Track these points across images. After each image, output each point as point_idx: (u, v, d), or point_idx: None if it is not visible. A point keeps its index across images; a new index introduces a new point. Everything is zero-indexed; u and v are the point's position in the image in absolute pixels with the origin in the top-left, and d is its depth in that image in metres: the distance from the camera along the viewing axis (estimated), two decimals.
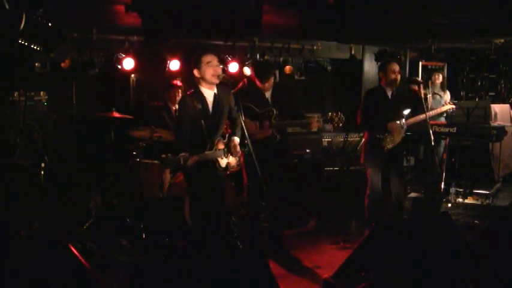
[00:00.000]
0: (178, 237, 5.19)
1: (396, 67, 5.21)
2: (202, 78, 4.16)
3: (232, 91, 4.50)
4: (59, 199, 5.13)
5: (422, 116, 5.28)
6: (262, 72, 4.88)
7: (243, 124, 4.12)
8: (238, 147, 4.39)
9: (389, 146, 5.20)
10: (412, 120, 5.30)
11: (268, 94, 4.92)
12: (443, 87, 8.06)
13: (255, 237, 4.99)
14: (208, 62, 4.12)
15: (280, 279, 4.42)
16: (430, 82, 7.94)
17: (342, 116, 4.94)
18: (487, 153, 7.57)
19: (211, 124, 4.19)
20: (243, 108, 4.55)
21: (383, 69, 5.26)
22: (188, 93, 4.24)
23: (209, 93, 4.22)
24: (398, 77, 5.21)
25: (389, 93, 5.27)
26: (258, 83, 4.90)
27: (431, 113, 5.44)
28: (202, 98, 4.18)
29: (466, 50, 9.30)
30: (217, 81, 4.18)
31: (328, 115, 4.92)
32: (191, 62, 4.21)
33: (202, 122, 4.09)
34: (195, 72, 4.16)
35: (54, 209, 4.87)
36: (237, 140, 4.38)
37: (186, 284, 2.61)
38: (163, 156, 3.87)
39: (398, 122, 5.21)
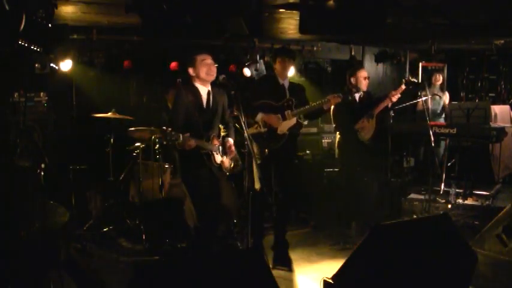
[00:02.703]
0: (178, 238, 5.19)
1: (365, 73, 5.61)
2: (197, 76, 4.28)
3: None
4: (59, 200, 5.11)
5: (385, 102, 5.53)
6: (285, 51, 4.97)
7: (243, 125, 4.13)
8: (233, 148, 4.51)
9: (366, 138, 5.56)
10: (379, 107, 5.56)
11: (286, 84, 4.93)
12: (442, 88, 8.05)
13: (255, 237, 4.99)
14: (202, 60, 4.26)
15: (280, 280, 4.44)
16: (427, 82, 7.93)
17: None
18: (487, 154, 7.56)
19: (206, 119, 4.29)
20: (261, 106, 4.62)
21: (354, 75, 5.56)
22: (183, 86, 4.41)
23: (203, 89, 4.33)
24: (366, 81, 5.61)
25: (356, 97, 5.52)
26: (277, 66, 4.91)
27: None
28: (196, 92, 4.29)
29: (466, 51, 9.31)
30: (211, 79, 4.30)
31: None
32: (186, 61, 4.34)
33: (197, 114, 4.19)
34: (190, 70, 4.29)
35: (54, 210, 4.86)
36: (231, 140, 4.51)
37: (186, 284, 2.61)
38: (164, 128, 3.92)
39: (364, 119, 5.53)
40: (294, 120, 4.86)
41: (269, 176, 4.77)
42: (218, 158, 4.35)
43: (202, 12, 4.47)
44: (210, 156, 4.29)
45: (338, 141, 5.76)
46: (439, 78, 7.86)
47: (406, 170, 7.17)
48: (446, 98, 7.93)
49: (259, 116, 4.76)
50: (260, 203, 4.63)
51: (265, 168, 4.61)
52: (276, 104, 4.83)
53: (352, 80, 5.55)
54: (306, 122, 5.45)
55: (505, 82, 9.51)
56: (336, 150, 5.83)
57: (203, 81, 4.30)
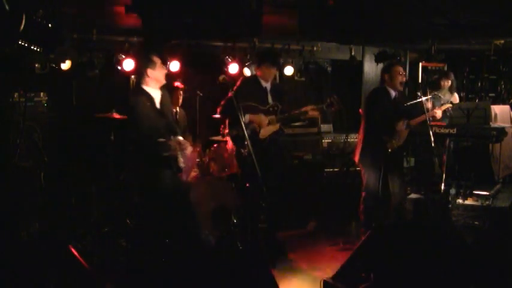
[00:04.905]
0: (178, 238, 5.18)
1: (401, 69, 5.22)
2: (156, 78, 4.24)
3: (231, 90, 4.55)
4: (59, 200, 5.12)
5: (426, 116, 5.29)
6: (268, 56, 4.93)
7: (243, 125, 4.12)
8: (186, 146, 4.37)
9: (395, 146, 5.15)
10: (417, 119, 5.27)
11: (268, 87, 4.91)
12: (451, 90, 7.95)
13: (255, 238, 4.99)
14: (161, 63, 4.25)
15: (280, 280, 4.44)
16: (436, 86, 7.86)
17: (337, 98, 4.91)
18: (487, 154, 7.56)
19: (166, 123, 4.27)
20: (247, 107, 4.60)
21: (389, 71, 5.23)
22: (135, 92, 4.34)
23: (156, 92, 4.29)
24: (404, 79, 5.21)
25: (392, 95, 5.26)
26: (259, 71, 4.88)
27: (433, 113, 5.44)
28: (150, 97, 4.25)
29: (466, 51, 9.30)
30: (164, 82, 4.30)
31: (327, 101, 4.88)
32: (140, 61, 4.31)
33: (158, 119, 4.18)
34: (149, 72, 4.22)
35: (54, 210, 4.87)
36: (180, 138, 4.39)
37: (186, 284, 2.61)
38: (161, 140, 3.90)
39: (402, 122, 5.19)
40: (277, 126, 4.87)
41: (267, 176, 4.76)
42: (181, 161, 4.28)
43: (202, 12, 4.47)
44: (176, 159, 4.22)
45: (362, 140, 5.28)
46: (448, 84, 7.77)
47: (406, 170, 7.16)
48: (455, 100, 7.81)
49: (247, 117, 4.75)
50: (258, 202, 4.63)
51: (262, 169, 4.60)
52: (261, 107, 4.82)
53: (386, 76, 5.19)
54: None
55: (505, 82, 9.50)
56: (359, 150, 5.31)
57: (158, 84, 4.28)
